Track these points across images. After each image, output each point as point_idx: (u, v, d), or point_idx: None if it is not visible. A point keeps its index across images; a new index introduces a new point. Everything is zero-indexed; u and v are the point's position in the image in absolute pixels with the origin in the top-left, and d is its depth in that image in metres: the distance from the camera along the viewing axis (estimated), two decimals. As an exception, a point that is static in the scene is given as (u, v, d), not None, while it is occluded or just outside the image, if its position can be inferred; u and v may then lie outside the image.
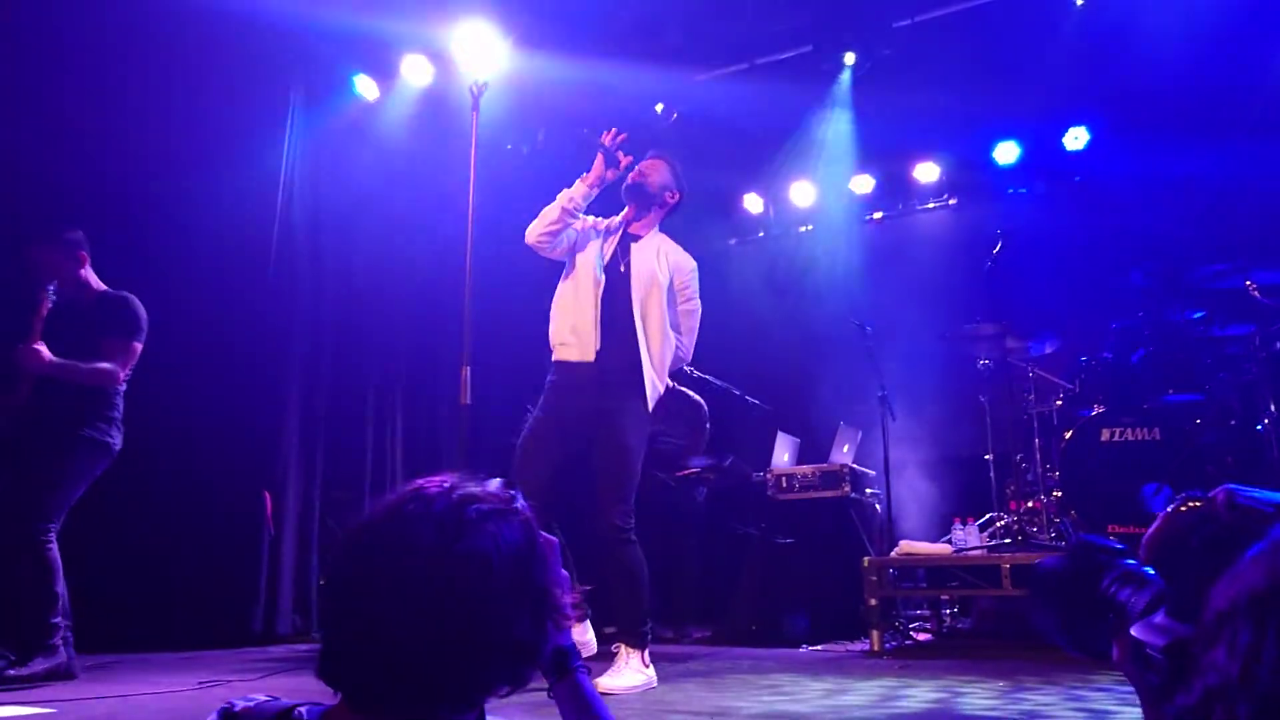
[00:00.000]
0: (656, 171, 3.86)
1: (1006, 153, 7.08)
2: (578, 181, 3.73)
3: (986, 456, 5.43)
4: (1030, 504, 5.04)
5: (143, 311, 4.04)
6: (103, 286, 4.09)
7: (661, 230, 3.98)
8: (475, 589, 0.97)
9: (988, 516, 5.20)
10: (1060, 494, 4.89)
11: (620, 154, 3.72)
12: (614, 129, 3.75)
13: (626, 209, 3.91)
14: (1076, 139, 6.85)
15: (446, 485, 1.04)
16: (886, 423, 5.45)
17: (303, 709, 1.05)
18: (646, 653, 3.52)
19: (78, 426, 3.85)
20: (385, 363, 6.42)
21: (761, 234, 8.33)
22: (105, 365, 3.90)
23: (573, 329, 3.68)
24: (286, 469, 5.70)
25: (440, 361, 6.40)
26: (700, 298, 3.96)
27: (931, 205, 7.67)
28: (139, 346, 4.01)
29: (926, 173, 7.54)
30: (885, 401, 5.46)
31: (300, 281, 5.89)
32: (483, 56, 5.86)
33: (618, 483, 3.57)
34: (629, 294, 3.71)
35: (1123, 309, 5.27)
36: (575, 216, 3.72)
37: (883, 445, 5.42)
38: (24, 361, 3.73)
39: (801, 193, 7.91)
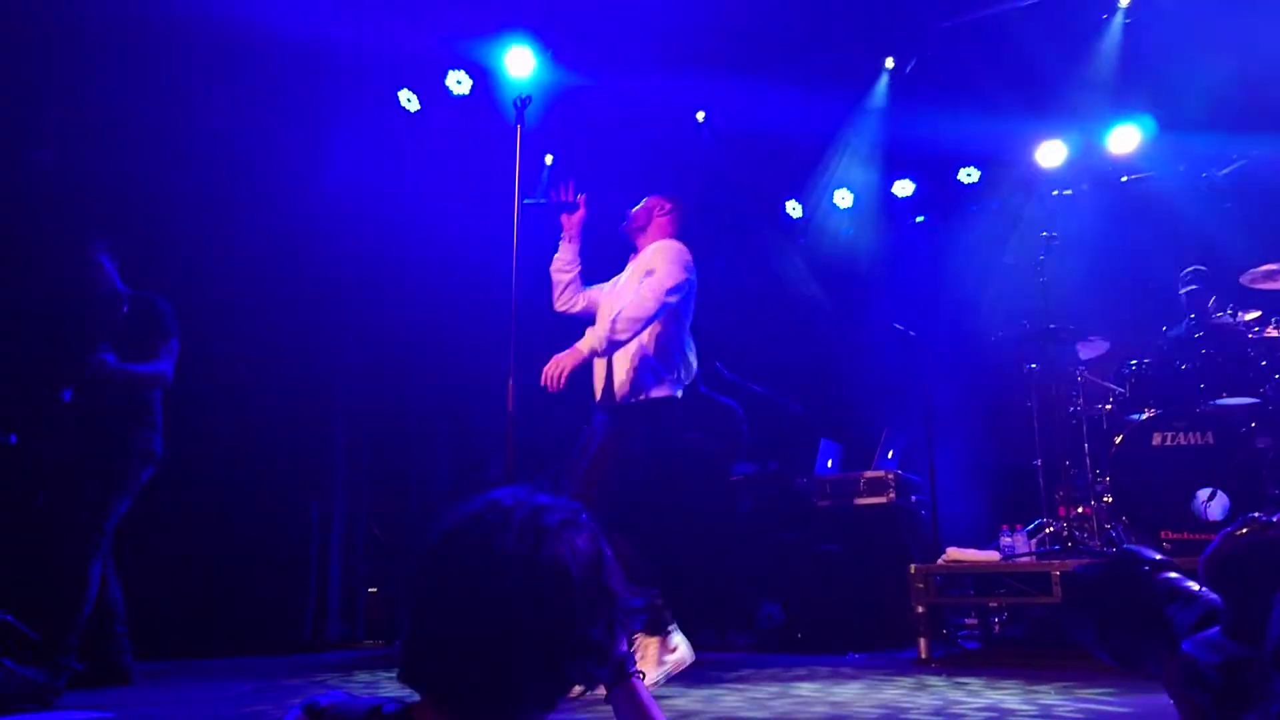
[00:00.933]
0: (638, 207, 3.96)
1: (1051, 154, 6.99)
2: (560, 243, 3.94)
3: (1034, 462, 5.35)
4: (1080, 510, 4.96)
5: (170, 309, 4.02)
6: (127, 289, 4.05)
7: (680, 239, 3.87)
8: (556, 594, 1.03)
9: (1036, 523, 5.13)
10: (1111, 499, 4.80)
11: (565, 195, 3.88)
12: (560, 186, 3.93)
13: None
14: (1124, 139, 6.74)
15: (522, 496, 1.10)
16: (932, 428, 5.40)
17: (387, 705, 1.09)
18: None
19: (125, 436, 3.84)
20: (429, 373, 6.49)
21: (803, 239, 8.29)
22: (160, 367, 3.91)
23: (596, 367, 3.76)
24: (333, 477, 5.80)
25: (484, 372, 6.45)
26: (672, 294, 3.64)
27: (974, 208, 7.59)
28: (177, 345, 4.00)
29: (969, 175, 7.47)
30: (930, 407, 5.41)
31: (345, 291, 5.99)
32: (524, 69, 5.97)
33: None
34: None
35: (1173, 311, 5.18)
36: (567, 272, 3.92)
37: (928, 451, 5.37)
38: (95, 372, 3.72)
39: (842, 197, 7.87)
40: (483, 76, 6.19)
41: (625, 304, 3.62)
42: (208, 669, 4.50)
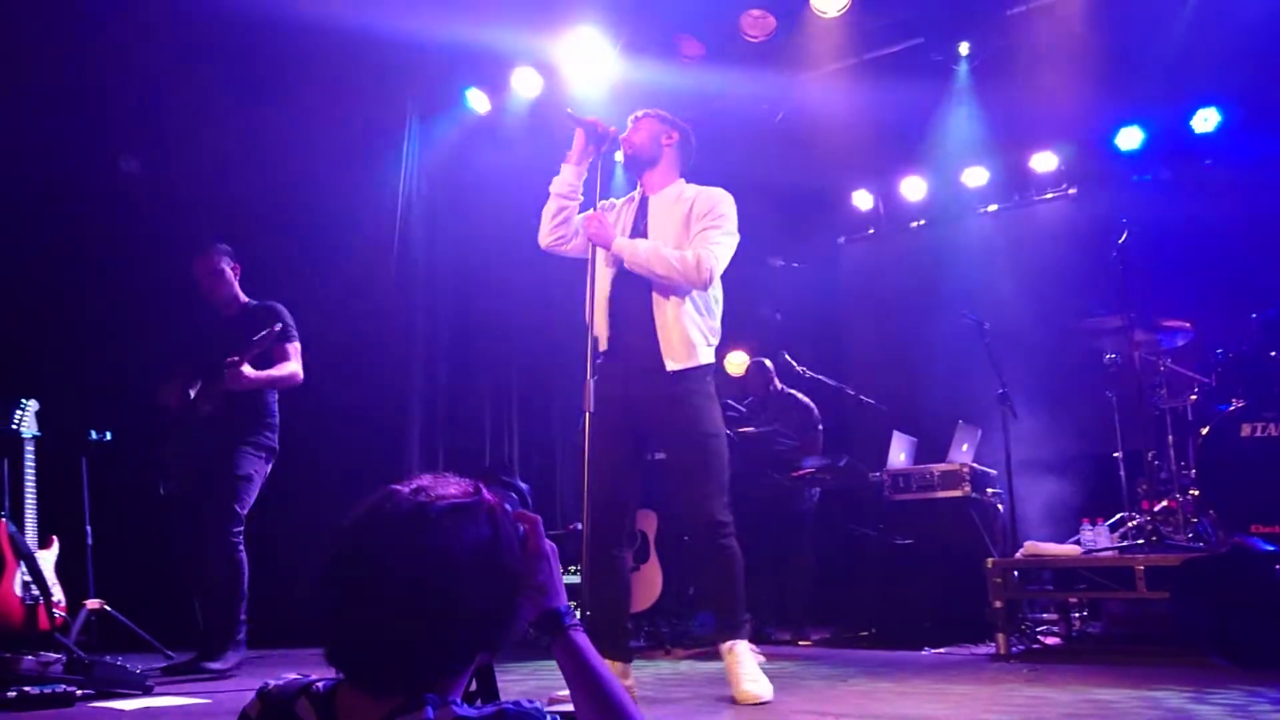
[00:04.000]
0: (641, 128, 3.56)
1: (1129, 138, 6.81)
2: (563, 165, 3.51)
3: (1115, 454, 5.23)
4: (1165, 503, 4.83)
5: (288, 314, 4.26)
6: (247, 299, 4.31)
7: (688, 179, 3.61)
8: (438, 577, 1.11)
9: (1118, 516, 5.01)
10: (1197, 492, 4.67)
11: (598, 125, 3.43)
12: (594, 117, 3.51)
13: (639, 183, 3.63)
14: (1206, 121, 6.55)
15: (413, 486, 1.18)
16: (1008, 420, 5.30)
17: (319, 684, 1.19)
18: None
19: (252, 435, 4.12)
20: (501, 367, 6.60)
21: (871, 231, 8.20)
22: (290, 369, 4.15)
23: (597, 324, 3.41)
24: (411, 470, 5.91)
25: (554, 365, 6.53)
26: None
27: (1050, 195, 7.43)
28: (300, 347, 4.24)
29: (1044, 162, 7.31)
30: (1006, 399, 5.32)
31: (419, 288, 6.12)
32: (591, 64, 6.01)
33: (695, 474, 3.32)
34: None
35: (1262, 297, 5.01)
36: (571, 200, 3.48)
37: (1004, 444, 5.28)
38: (234, 383, 3.95)
39: (912, 187, 7.77)
40: (550, 73, 6.24)
41: (706, 249, 3.31)
42: (293, 658, 4.64)
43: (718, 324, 3.50)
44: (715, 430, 3.37)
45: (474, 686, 1.33)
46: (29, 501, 4.07)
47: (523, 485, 5.75)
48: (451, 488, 1.20)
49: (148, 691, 3.32)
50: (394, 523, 1.13)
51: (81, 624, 4.11)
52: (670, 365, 3.30)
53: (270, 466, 4.21)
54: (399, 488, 1.18)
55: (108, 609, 4.24)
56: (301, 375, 4.20)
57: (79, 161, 4.82)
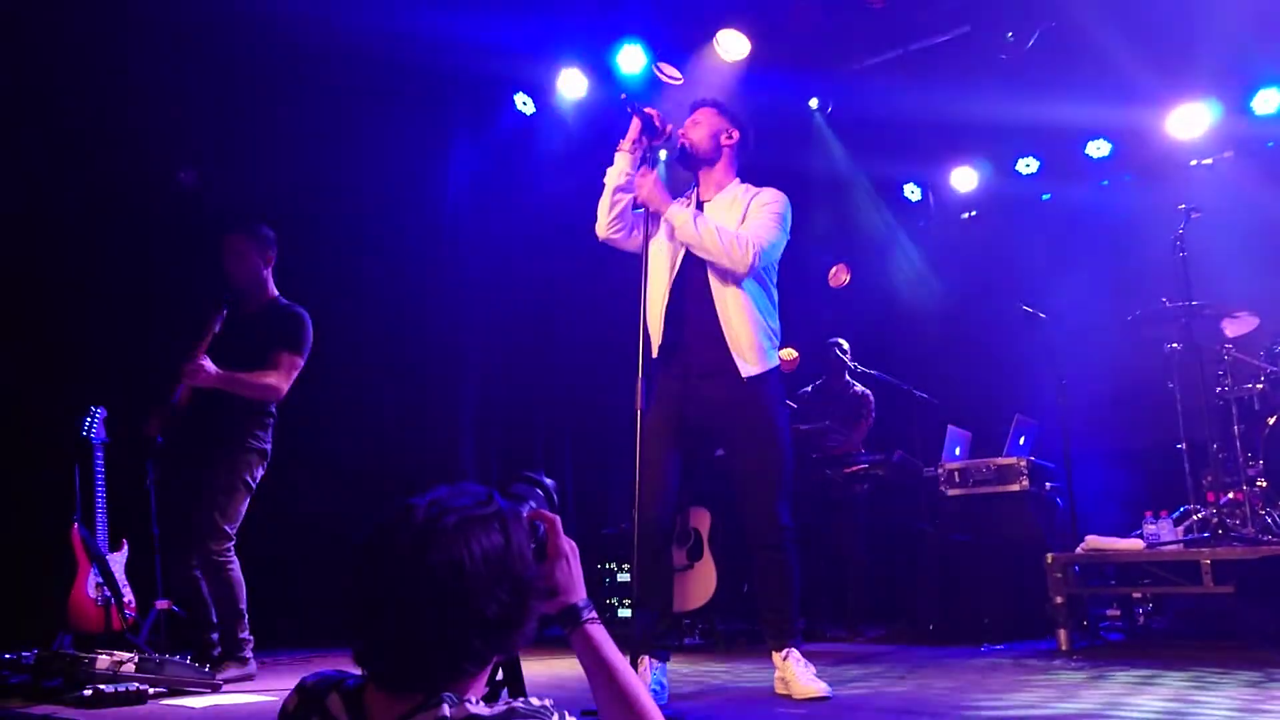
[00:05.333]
0: (700, 123, 3.45)
1: (1187, 122, 6.65)
2: (616, 153, 3.41)
3: (1179, 446, 5.10)
4: (1231, 495, 4.71)
5: (310, 327, 4.01)
6: (277, 293, 4.13)
7: (744, 180, 3.50)
8: (450, 589, 1.16)
9: (1183, 509, 4.89)
10: (1265, 483, 4.56)
11: (656, 118, 3.34)
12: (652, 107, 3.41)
13: (695, 182, 3.53)
14: (1267, 102, 6.37)
15: (427, 500, 1.23)
16: (1066, 413, 5.21)
17: (349, 680, 1.26)
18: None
19: (241, 437, 3.88)
20: (554, 371, 6.63)
21: (922, 223, 8.11)
22: (269, 380, 3.87)
23: (651, 324, 3.34)
24: (464, 475, 5.98)
25: (609, 369, 6.54)
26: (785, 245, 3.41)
27: (1105, 183, 7.28)
28: (301, 363, 3.97)
29: (1097, 149, 7.17)
30: (1064, 390, 5.22)
31: (469, 292, 6.18)
32: (636, 64, 6.03)
33: (760, 477, 3.28)
34: (703, 263, 3.30)
35: (1331, 282, 4.87)
36: (627, 191, 3.38)
37: (1062, 437, 5.19)
38: (191, 377, 3.74)
39: (963, 178, 7.67)
40: (596, 74, 6.26)
41: (753, 231, 3.23)
42: (335, 660, 4.70)
43: (778, 325, 3.45)
44: (784, 434, 3.35)
45: (500, 676, 1.40)
46: (99, 505, 4.19)
47: (549, 481, 5.77)
48: (465, 498, 1.25)
49: (216, 689, 3.41)
50: (405, 540, 1.18)
51: (151, 624, 4.22)
52: (745, 371, 3.25)
53: (262, 469, 3.96)
54: (414, 502, 1.23)
55: (175, 609, 4.35)
56: (283, 391, 3.90)
57: (141, 172, 4.93)
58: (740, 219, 3.35)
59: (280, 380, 3.90)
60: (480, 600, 1.18)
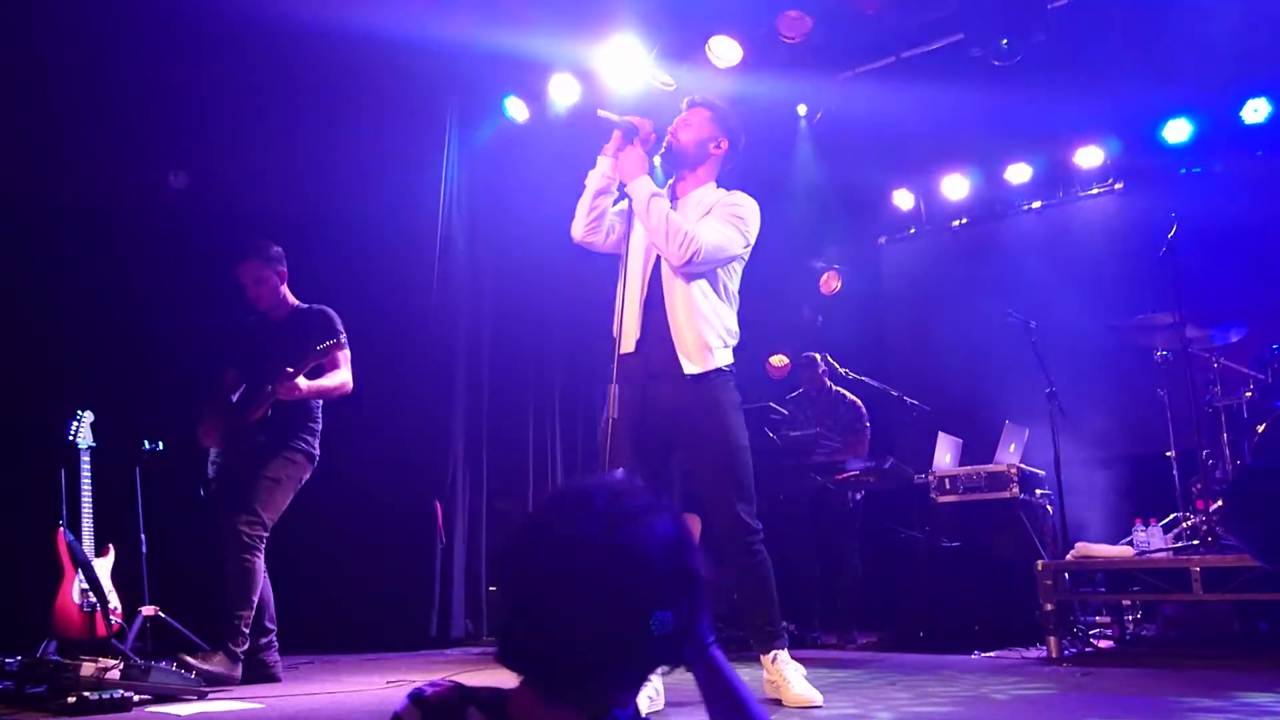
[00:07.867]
0: (692, 125, 3.41)
1: (1177, 131, 6.69)
2: (599, 158, 3.40)
3: (1168, 453, 5.12)
4: (1219, 503, 4.72)
5: (338, 317, 4.14)
6: (296, 301, 4.20)
7: (725, 186, 3.47)
8: (636, 578, 1.06)
9: (1172, 517, 4.90)
10: (1254, 492, 4.56)
11: (638, 126, 3.31)
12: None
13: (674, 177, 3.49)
14: (1256, 111, 6.41)
15: (606, 483, 1.13)
16: (1056, 420, 5.21)
17: (484, 693, 1.15)
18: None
19: (291, 439, 4.00)
20: (543, 376, 6.62)
21: (913, 230, 8.12)
22: (342, 378, 4.04)
23: (622, 320, 3.29)
24: (455, 479, 5.97)
25: (596, 374, 6.55)
26: (748, 247, 3.35)
27: (1095, 191, 7.31)
28: (349, 352, 4.11)
29: (1089, 157, 7.19)
30: (1054, 398, 5.23)
31: (460, 297, 6.17)
32: (628, 70, 6.02)
33: (721, 478, 3.24)
34: (660, 264, 3.29)
35: (1319, 291, 4.89)
36: (607, 194, 3.37)
37: (1053, 444, 5.19)
38: (287, 394, 3.82)
39: (954, 186, 7.69)
40: (588, 80, 6.26)
41: (699, 229, 3.18)
42: (342, 664, 4.69)
43: (734, 324, 3.38)
44: (736, 435, 3.27)
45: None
46: (86, 511, 4.16)
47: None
48: (635, 485, 1.16)
49: (203, 696, 3.38)
50: (589, 518, 1.08)
51: (137, 630, 4.19)
52: (687, 369, 3.21)
53: (309, 472, 4.08)
54: (584, 483, 1.14)
55: (162, 615, 4.32)
56: (351, 384, 4.09)
57: (130, 177, 4.92)
58: (701, 217, 3.32)
59: (348, 374, 4.08)
60: (664, 596, 1.07)
